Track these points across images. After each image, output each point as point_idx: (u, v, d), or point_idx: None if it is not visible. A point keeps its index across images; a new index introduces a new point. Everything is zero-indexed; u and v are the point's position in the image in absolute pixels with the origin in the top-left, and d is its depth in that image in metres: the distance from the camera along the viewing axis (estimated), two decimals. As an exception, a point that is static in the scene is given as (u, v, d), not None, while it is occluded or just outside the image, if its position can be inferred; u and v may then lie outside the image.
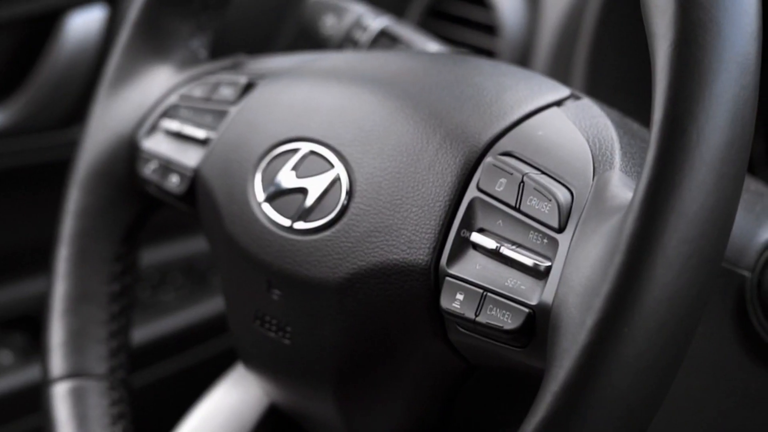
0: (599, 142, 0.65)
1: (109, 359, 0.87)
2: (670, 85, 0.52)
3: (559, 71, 1.15)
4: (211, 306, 1.44)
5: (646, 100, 0.64)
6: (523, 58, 1.20)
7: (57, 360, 0.85)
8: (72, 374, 0.85)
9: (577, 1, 1.16)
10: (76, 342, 0.86)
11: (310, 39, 0.93)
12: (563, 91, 0.71)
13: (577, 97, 0.71)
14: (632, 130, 0.68)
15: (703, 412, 0.73)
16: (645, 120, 0.67)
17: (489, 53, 1.24)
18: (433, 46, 0.87)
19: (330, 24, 0.91)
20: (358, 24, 0.90)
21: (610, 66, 1.11)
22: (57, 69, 1.26)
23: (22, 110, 1.26)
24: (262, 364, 0.79)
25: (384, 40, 0.88)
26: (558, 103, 0.70)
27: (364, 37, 0.89)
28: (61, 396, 0.84)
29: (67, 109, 1.29)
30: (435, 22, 1.32)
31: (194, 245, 1.42)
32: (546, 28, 1.19)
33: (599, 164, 0.63)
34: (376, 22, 0.89)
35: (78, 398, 0.84)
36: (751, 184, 0.74)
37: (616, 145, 0.64)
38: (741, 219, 0.69)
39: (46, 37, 1.26)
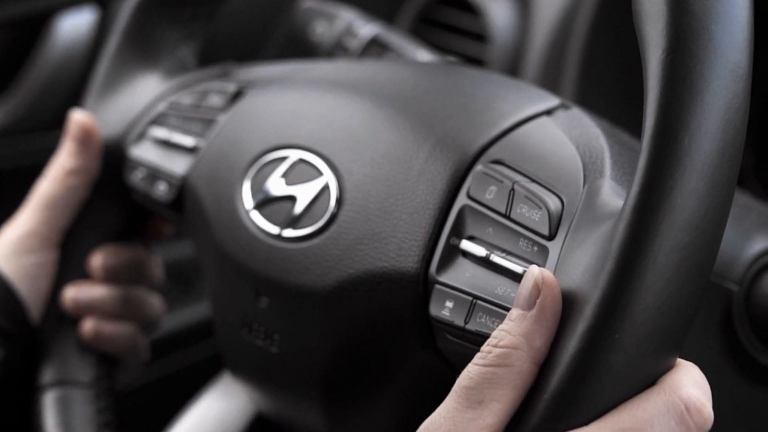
0: (589, 151, 0.65)
1: (95, 367, 0.86)
2: (662, 93, 0.52)
3: (549, 80, 1.15)
4: (197, 311, 1.43)
5: (636, 110, 0.64)
6: (513, 66, 1.20)
7: (45, 367, 0.85)
8: (59, 382, 0.85)
9: (568, 10, 1.15)
10: (62, 349, 0.86)
11: (299, 45, 0.92)
12: (553, 101, 0.71)
13: (567, 107, 0.71)
14: (622, 140, 0.68)
15: None
16: (635, 130, 0.67)
17: (479, 61, 1.24)
18: (423, 54, 0.86)
19: (320, 31, 0.90)
20: (348, 31, 0.89)
21: (600, 75, 1.11)
22: (46, 71, 1.25)
23: (11, 112, 1.25)
24: (249, 372, 0.79)
25: (375, 47, 0.88)
26: (548, 113, 0.70)
27: (354, 44, 0.88)
28: (47, 403, 0.84)
29: (56, 112, 1.29)
30: (425, 29, 1.31)
31: (180, 250, 1.41)
32: (537, 36, 1.19)
33: (589, 173, 0.63)
34: (367, 29, 0.89)
35: (64, 406, 0.84)
36: (739, 198, 0.74)
37: (606, 154, 0.64)
38: (729, 232, 0.69)
39: (35, 39, 1.26)
